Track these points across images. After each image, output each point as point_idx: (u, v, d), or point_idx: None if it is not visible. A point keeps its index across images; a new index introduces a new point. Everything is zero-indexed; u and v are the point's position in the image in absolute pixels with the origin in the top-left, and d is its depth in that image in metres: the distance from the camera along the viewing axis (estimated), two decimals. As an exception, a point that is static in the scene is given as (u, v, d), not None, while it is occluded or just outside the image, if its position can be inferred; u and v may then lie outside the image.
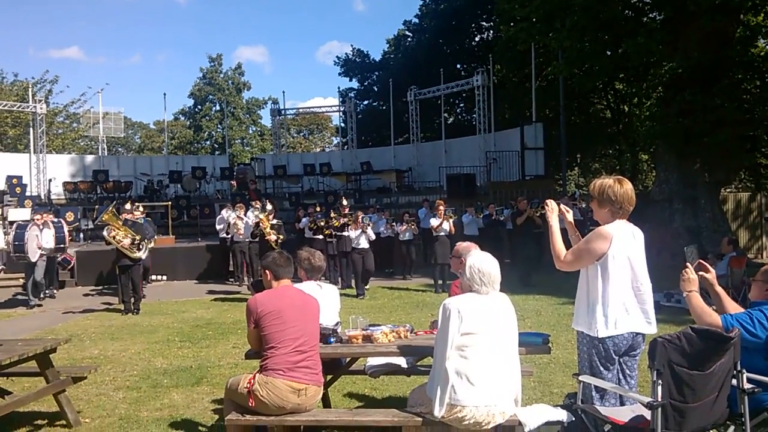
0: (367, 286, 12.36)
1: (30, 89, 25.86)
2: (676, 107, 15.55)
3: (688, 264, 3.60)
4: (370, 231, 12.49)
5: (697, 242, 14.78)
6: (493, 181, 20.42)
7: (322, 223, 13.03)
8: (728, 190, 20.60)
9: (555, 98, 21.48)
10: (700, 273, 3.65)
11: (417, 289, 12.68)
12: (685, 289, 3.55)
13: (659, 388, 2.98)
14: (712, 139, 14.67)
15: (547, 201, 3.82)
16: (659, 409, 2.95)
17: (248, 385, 3.67)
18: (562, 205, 3.79)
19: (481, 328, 3.30)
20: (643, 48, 15.07)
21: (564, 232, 3.74)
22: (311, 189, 23.40)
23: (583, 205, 14.88)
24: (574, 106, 26.09)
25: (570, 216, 3.84)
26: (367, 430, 4.37)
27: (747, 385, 3.20)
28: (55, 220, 12.30)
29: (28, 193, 20.74)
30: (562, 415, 3.40)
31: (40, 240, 11.07)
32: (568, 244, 3.66)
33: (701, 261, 3.70)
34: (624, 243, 3.40)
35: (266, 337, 3.72)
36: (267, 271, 3.99)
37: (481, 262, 3.44)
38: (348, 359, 4.51)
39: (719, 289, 3.70)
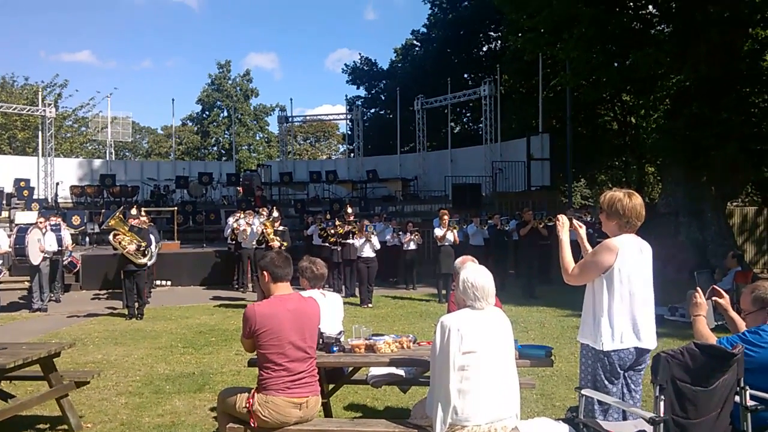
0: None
1: (40, 93, 26.08)
2: (684, 120, 15.49)
3: (698, 288, 3.60)
4: (375, 240, 12.45)
5: (704, 259, 14.73)
6: (498, 191, 20.43)
7: (333, 231, 13.02)
8: (735, 204, 20.51)
9: (562, 109, 21.49)
10: (714, 299, 3.63)
11: (421, 298, 12.65)
12: (692, 313, 3.56)
13: (662, 404, 2.96)
14: (719, 152, 14.61)
15: (559, 216, 3.79)
16: (661, 424, 2.93)
17: (248, 405, 3.56)
18: (575, 221, 3.77)
19: (481, 345, 3.26)
20: (651, 59, 15.07)
21: (576, 246, 3.72)
22: (317, 196, 23.44)
23: (589, 218, 14.82)
24: (580, 117, 26.05)
25: (583, 231, 3.82)
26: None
27: (750, 403, 3.19)
28: (54, 222, 12.31)
29: (35, 196, 20.84)
30: (563, 428, 3.38)
31: (43, 243, 11.08)
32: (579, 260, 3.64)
33: (715, 287, 3.70)
34: (630, 257, 3.38)
35: (264, 355, 3.57)
36: (265, 273, 3.75)
37: (475, 277, 3.39)
38: (350, 369, 4.50)
39: (734, 314, 3.70)
